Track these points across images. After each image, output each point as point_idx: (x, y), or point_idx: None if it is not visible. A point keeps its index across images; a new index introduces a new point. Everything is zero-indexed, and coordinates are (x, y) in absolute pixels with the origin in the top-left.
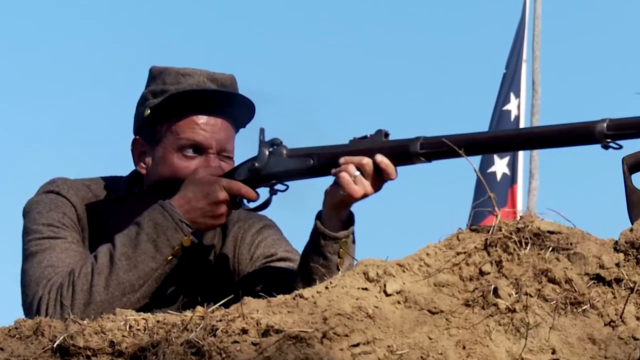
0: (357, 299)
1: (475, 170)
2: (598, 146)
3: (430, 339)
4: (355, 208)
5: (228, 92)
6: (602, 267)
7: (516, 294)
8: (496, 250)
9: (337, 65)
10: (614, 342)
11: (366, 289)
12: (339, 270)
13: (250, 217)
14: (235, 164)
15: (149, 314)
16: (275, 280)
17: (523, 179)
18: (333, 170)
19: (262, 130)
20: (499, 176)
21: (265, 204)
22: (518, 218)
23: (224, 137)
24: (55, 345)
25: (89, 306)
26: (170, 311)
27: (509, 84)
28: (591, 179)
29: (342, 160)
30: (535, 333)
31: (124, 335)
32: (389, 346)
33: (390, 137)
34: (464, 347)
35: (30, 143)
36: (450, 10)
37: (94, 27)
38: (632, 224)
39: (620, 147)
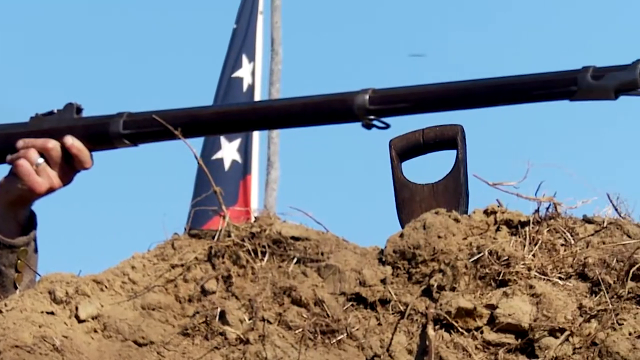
0: (40, 327)
1: (195, 157)
2: (358, 125)
3: None
4: (38, 207)
5: None
6: (363, 284)
7: (250, 319)
8: (223, 263)
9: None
10: None
11: (52, 313)
12: (16, 288)
13: None
14: None
15: None
16: None
17: (259, 168)
18: (8, 157)
19: None
20: (227, 164)
21: None
22: (253, 219)
23: None
24: None
25: None
26: None
27: (241, 43)
28: (348, 169)
29: (20, 143)
30: None
31: None
32: None
33: (85, 114)
34: None
35: None
36: None
37: None
38: (403, 227)
39: (388, 126)
